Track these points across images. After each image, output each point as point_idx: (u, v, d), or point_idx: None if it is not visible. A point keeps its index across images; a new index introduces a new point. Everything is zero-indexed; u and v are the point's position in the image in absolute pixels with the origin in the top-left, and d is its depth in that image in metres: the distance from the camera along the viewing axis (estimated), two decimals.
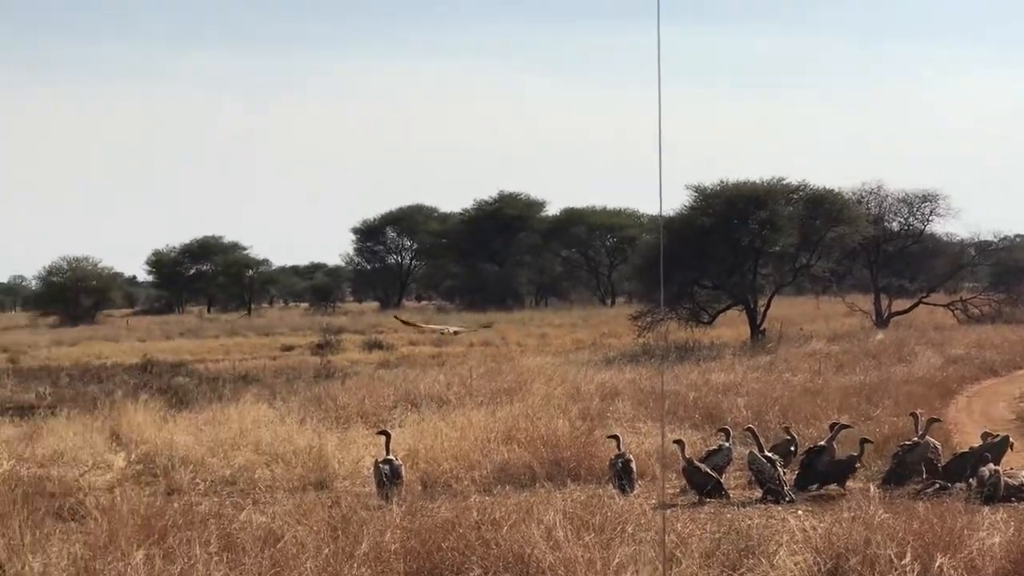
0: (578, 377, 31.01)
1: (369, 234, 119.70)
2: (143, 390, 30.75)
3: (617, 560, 11.15)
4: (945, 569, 10.83)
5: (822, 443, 18.81)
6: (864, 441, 18.72)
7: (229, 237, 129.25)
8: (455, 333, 59.41)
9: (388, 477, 17.36)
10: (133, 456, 21.45)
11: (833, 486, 18.29)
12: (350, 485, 18.71)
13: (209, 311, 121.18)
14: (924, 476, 18.40)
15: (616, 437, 18.95)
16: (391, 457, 17.78)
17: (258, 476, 19.28)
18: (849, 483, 18.16)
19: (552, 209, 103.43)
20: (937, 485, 17.64)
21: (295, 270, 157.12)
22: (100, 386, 34.74)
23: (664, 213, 59.06)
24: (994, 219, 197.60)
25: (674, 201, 53.06)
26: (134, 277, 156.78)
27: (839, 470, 18.27)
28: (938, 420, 20.37)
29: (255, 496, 17.60)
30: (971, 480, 17.32)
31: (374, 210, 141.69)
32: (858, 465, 18.55)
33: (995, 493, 16.71)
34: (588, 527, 12.78)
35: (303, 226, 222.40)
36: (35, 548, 12.49)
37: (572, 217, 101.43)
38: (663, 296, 44.59)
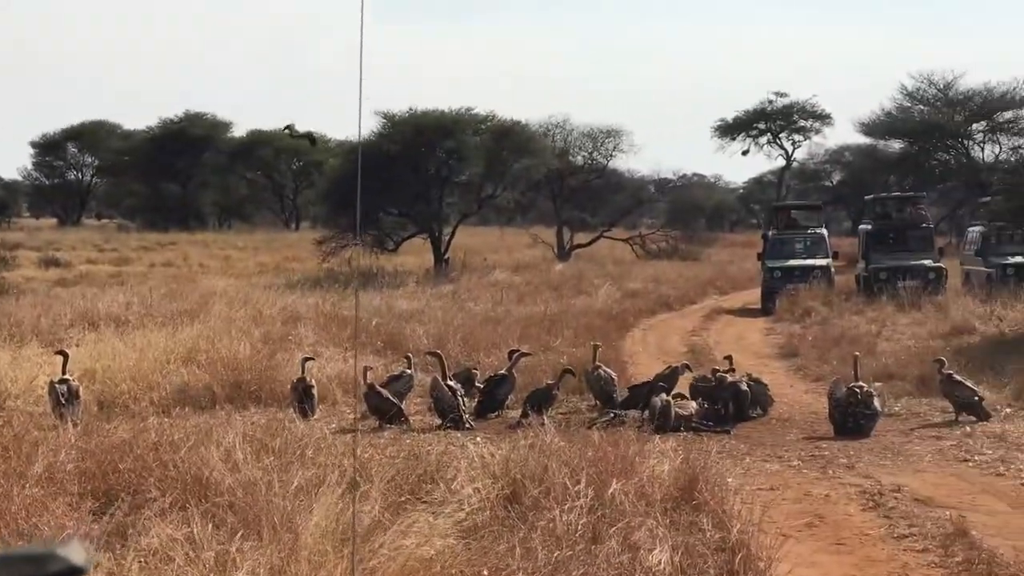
0: (261, 300, 30.79)
1: (48, 148, 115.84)
2: None
3: (296, 483, 11.15)
4: (617, 494, 11.16)
5: (503, 372, 19.19)
6: (566, 371, 19.18)
7: None
8: None
9: (64, 397, 17.00)
10: None
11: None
12: (23, 404, 18.21)
13: None
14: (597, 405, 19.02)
15: (309, 359, 18.99)
16: (67, 377, 17.41)
17: None
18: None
19: (239, 131, 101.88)
20: (612, 415, 18.14)
21: None
22: None
23: (352, 139, 58.93)
24: (674, 157, 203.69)
25: (363, 127, 52.90)
26: None
27: (541, 398, 18.53)
28: (599, 345, 20.90)
29: None
30: (645, 410, 17.98)
31: (54, 124, 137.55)
32: (555, 393, 18.91)
33: (666, 422, 17.32)
34: (268, 450, 12.75)
35: None
36: None
37: (259, 139, 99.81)
38: (358, 222, 44.51)
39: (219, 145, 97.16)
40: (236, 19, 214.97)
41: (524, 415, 17.70)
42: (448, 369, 18.84)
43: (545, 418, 16.54)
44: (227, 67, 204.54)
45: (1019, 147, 68.52)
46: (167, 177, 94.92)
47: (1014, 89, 69.62)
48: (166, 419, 15.93)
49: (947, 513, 12.46)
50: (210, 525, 10.06)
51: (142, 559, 9.48)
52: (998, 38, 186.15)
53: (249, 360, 20.25)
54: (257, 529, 9.93)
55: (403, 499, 11.63)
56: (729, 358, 20.53)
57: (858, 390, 17.67)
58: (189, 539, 9.73)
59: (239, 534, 9.86)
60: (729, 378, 18.96)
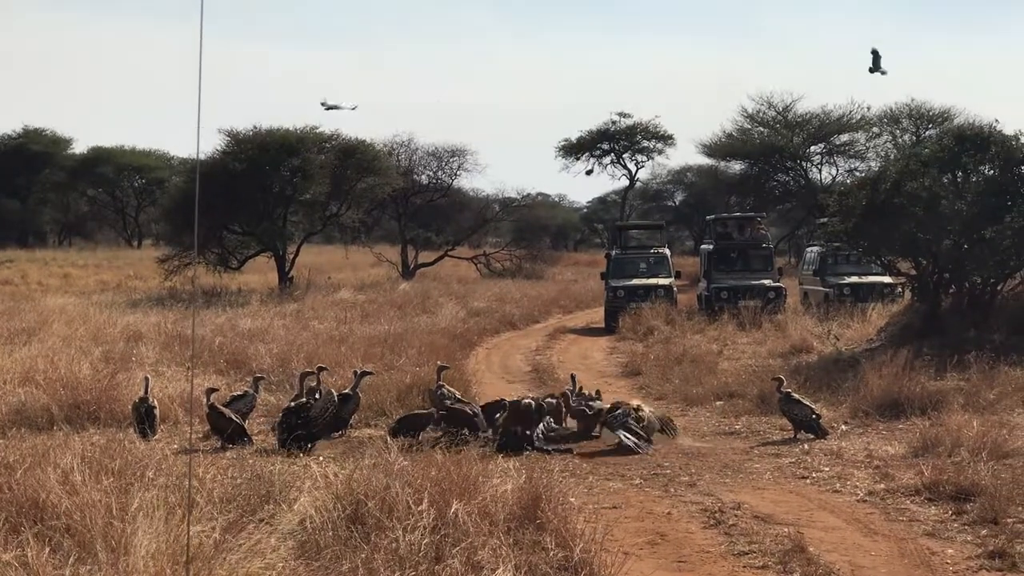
0: (101, 319, 30.33)
1: None
2: None
3: (136, 504, 10.97)
4: (460, 514, 11.16)
5: (347, 391, 19.09)
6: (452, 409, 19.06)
7: None
8: None
9: None
10: None
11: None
12: None
13: None
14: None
15: (145, 379, 18.72)
16: None
17: None
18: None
19: (79, 147, 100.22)
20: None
21: None
22: None
23: (196, 156, 58.31)
24: (518, 176, 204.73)
25: (206, 144, 52.60)
26: None
27: (418, 424, 18.38)
28: (447, 367, 20.99)
29: None
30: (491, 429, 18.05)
31: None
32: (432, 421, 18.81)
33: (509, 442, 17.37)
34: (107, 471, 12.53)
35: None
36: None
37: (100, 156, 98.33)
38: (196, 240, 44.21)
39: (59, 161, 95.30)
40: (77, 35, 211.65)
41: (394, 435, 17.56)
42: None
43: (388, 438, 16.50)
44: (67, 83, 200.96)
45: (855, 169, 70.20)
46: (5, 193, 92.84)
47: (850, 112, 71.30)
48: (1, 441, 15.59)
49: (786, 530, 12.65)
50: (46, 549, 9.87)
51: None
52: (833, 62, 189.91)
53: (89, 380, 19.89)
54: (94, 552, 9.76)
55: (244, 519, 11.51)
56: (573, 377, 20.68)
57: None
58: (23, 563, 9.53)
59: (75, 557, 9.69)
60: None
